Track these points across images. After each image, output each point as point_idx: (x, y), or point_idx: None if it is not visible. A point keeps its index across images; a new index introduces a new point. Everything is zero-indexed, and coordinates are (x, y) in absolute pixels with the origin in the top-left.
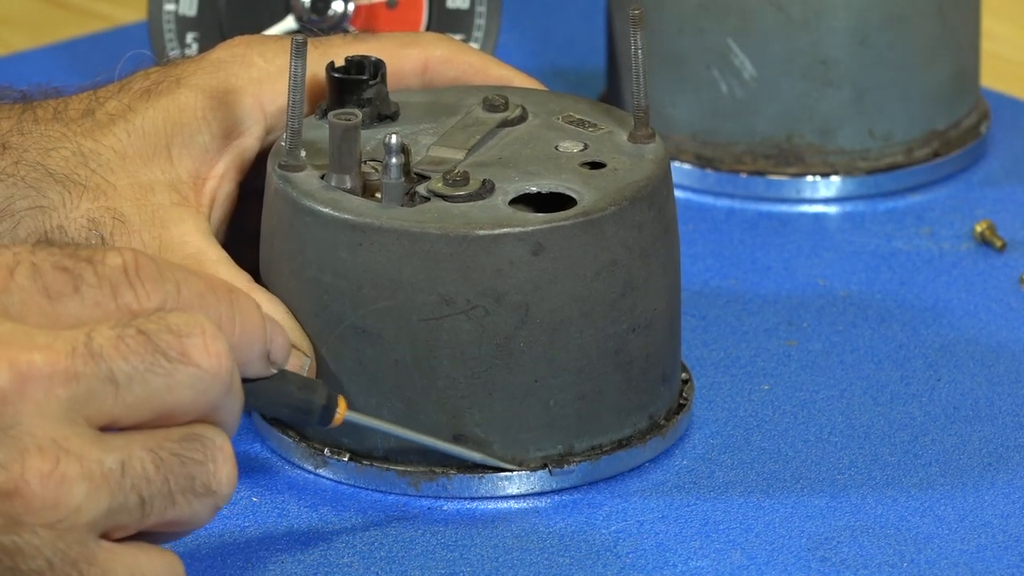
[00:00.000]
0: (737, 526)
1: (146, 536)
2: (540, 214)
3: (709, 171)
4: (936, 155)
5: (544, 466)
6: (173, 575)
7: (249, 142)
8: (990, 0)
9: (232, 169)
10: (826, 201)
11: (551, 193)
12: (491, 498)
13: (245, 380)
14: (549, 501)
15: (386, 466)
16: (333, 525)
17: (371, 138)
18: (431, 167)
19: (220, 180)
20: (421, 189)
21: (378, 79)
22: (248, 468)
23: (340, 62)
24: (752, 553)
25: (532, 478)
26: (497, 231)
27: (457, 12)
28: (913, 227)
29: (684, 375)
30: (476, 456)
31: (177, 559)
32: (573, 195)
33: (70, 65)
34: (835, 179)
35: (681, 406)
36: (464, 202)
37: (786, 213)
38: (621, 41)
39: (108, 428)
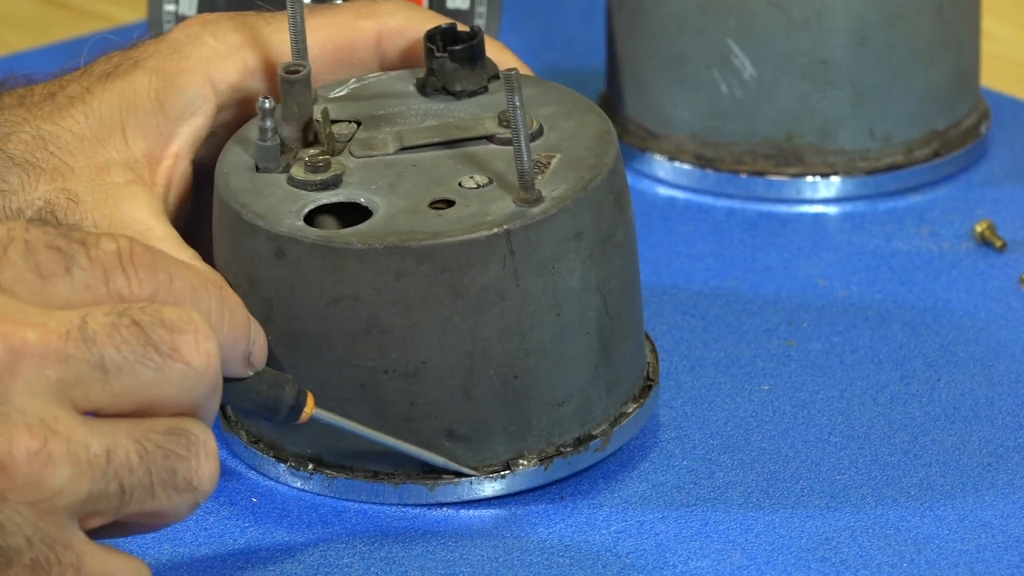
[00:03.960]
0: (737, 526)
1: (122, 525)
2: (299, 224)
3: (709, 171)
4: (936, 155)
5: (297, 468)
6: None
7: (201, 121)
8: (990, 0)
9: (186, 148)
10: (826, 201)
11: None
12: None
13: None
14: (549, 501)
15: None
16: (333, 525)
17: (412, 107)
18: (357, 147)
19: (175, 159)
20: (295, 163)
21: (444, 54)
22: (248, 469)
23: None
24: (752, 553)
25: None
26: (255, 222)
27: (457, 12)
28: (913, 227)
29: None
30: (440, 460)
31: (146, 568)
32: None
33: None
34: (835, 179)
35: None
36: (298, 188)
37: (786, 213)
38: (621, 41)
39: (89, 415)
